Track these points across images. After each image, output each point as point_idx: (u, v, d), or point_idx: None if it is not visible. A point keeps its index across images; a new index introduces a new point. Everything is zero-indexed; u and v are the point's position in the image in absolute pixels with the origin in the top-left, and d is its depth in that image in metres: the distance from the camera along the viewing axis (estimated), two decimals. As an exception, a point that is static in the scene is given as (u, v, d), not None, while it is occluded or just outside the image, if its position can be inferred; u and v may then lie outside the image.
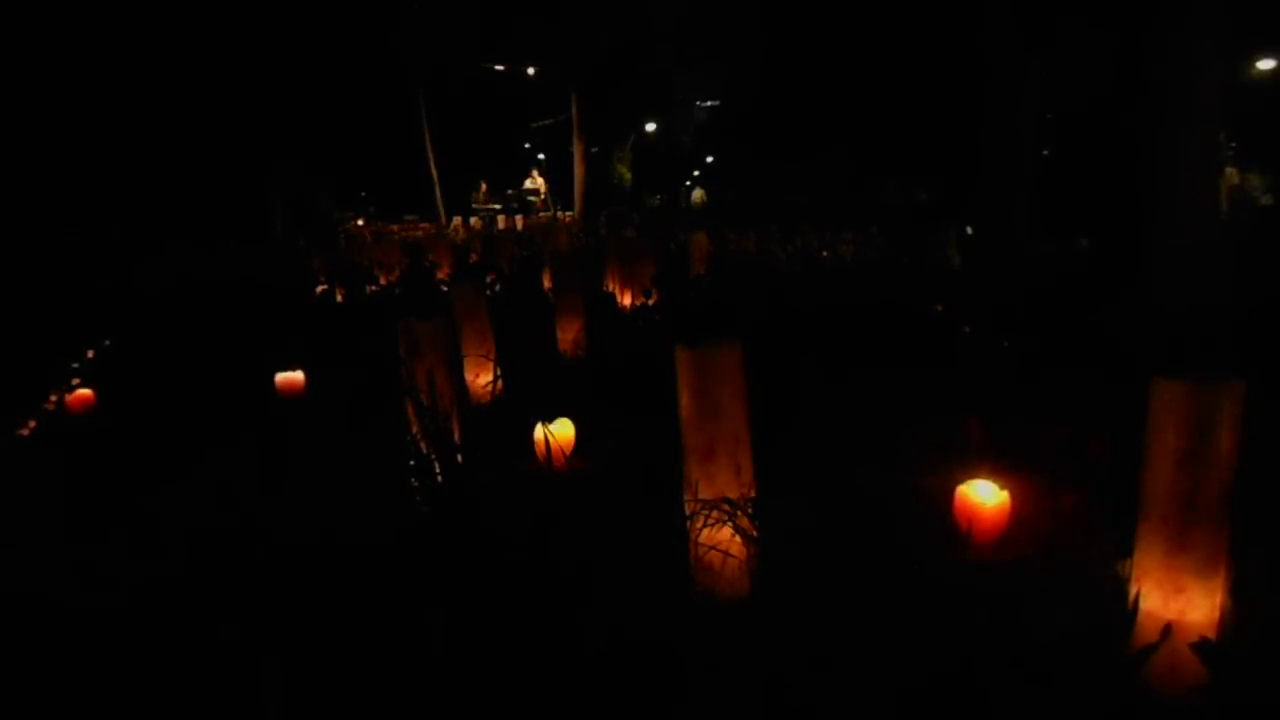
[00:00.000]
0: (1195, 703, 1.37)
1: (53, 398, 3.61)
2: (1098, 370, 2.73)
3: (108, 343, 4.67)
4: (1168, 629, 1.40)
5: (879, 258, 7.13)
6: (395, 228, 15.95)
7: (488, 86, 20.64)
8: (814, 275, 6.27)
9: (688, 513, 1.77)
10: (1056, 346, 3.32)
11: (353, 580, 1.87)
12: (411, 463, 2.27)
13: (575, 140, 18.54)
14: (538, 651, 1.59)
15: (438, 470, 2.25)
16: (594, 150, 20.27)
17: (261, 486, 2.49)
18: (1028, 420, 2.36)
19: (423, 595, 1.78)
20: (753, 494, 1.77)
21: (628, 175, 24.13)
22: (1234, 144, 12.26)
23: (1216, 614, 1.40)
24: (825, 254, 7.56)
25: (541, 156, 25.28)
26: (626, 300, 5.50)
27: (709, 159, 29.37)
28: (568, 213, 18.93)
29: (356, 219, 17.41)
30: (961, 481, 1.89)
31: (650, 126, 24.92)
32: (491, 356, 3.21)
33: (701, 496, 1.75)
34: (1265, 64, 15.28)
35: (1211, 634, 1.39)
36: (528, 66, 19.71)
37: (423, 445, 2.28)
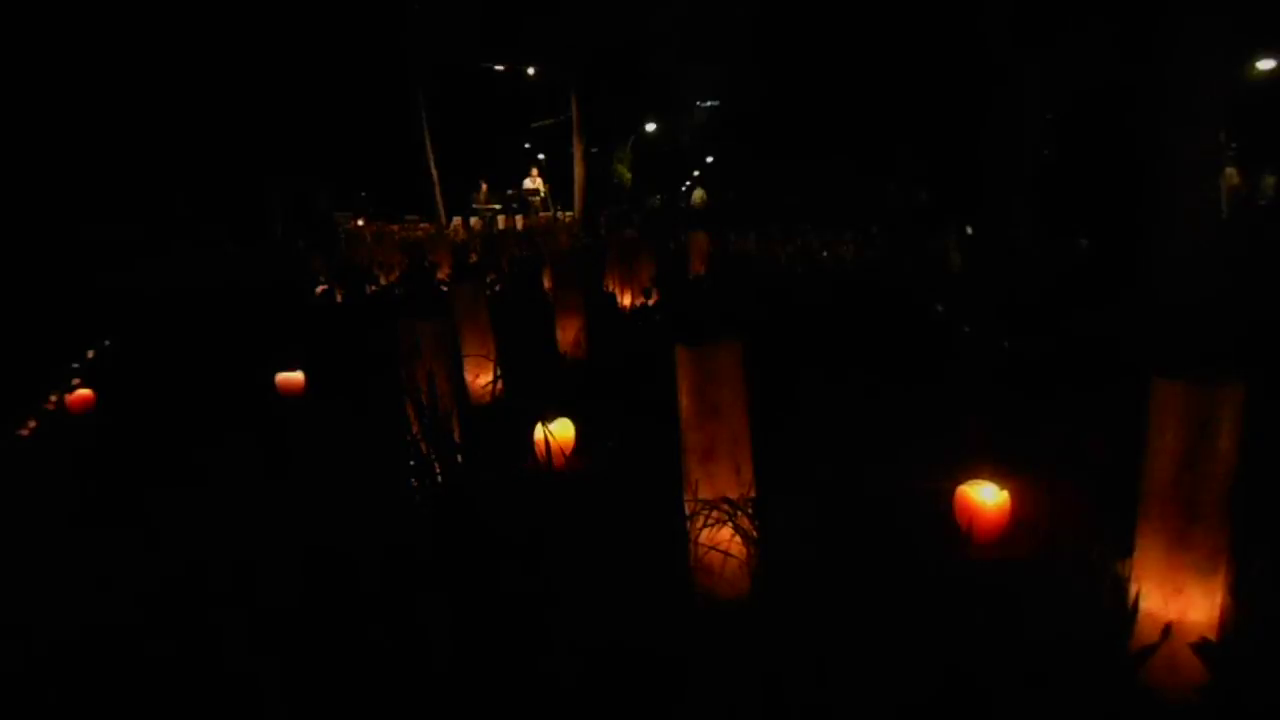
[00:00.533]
0: (1195, 703, 1.37)
1: (53, 398, 3.61)
2: (1097, 370, 2.73)
3: (108, 343, 4.68)
4: (1168, 629, 1.40)
5: (879, 258, 7.13)
6: (395, 228, 15.94)
7: (488, 86, 20.65)
8: (814, 275, 6.27)
9: (688, 513, 1.77)
10: (1057, 346, 3.32)
11: (353, 580, 1.87)
12: (411, 463, 2.27)
13: (575, 140, 18.49)
14: (538, 652, 1.59)
15: (438, 470, 2.25)
16: (594, 150, 20.20)
17: (261, 487, 2.49)
18: (1028, 420, 2.36)
19: (423, 596, 1.77)
20: (753, 494, 1.76)
21: (628, 175, 24.12)
22: (1234, 144, 12.26)
23: (1216, 614, 1.39)
24: (825, 254, 7.57)
25: (541, 156, 25.27)
26: (626, 300, 5.49)
27: (709, 159, 29.37)
28: (568, 213, 18.91)
29: (356, 219, 17.42)
30: (961, 481, 1.89)
31: (650, 126, 24.90)
32: (491, 356, 3.21)
33: (701, 496, 1.75)
34: (1265, 64, 15.29)
35: (1211, 634, 1.39)
36: (528, 66, 19.71)
37: (423, 445, 2.28)
